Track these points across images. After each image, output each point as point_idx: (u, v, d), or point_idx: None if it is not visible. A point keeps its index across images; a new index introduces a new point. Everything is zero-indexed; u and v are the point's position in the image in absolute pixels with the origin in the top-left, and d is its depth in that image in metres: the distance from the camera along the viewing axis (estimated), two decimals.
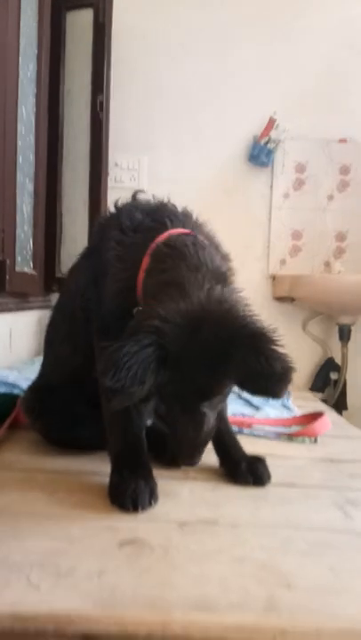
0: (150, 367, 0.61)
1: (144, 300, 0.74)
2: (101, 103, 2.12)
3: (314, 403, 1.56)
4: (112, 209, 0.88)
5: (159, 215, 0.81)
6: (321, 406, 1.47)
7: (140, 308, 0.72)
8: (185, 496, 0.74)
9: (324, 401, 2.13)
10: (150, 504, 0.69)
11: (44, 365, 0.99)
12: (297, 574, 0.52)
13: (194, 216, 0.86)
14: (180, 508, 0.69)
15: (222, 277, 0.74)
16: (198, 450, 0.68)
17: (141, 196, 0.90)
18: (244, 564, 0.54)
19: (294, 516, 0.67)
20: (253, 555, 0.56)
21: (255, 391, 0.64)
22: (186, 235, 0.78)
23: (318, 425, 1.05)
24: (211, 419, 0.68)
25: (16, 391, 1.18)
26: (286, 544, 0.59)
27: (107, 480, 0.73)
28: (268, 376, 0.61)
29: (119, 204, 0.87)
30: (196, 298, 0.66)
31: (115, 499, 0.69)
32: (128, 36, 2.39)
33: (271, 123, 2.44)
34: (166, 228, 0.78)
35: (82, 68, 2.29)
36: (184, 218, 0.83)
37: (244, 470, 0.78)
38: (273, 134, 2.45)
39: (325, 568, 0.54)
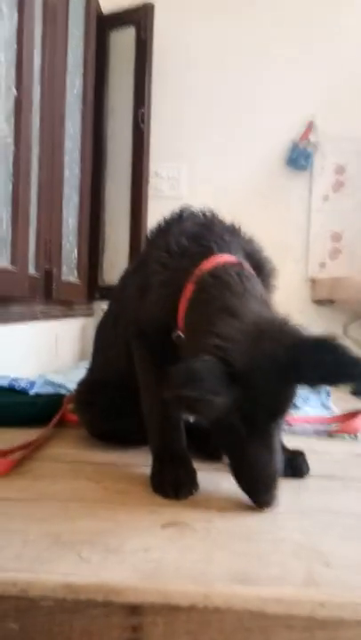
0: (222, 382, 0.60)
1: (185, 331, 0.75)
2: (143, 115, 2.19)
3: (354, 403, 1.54)
4: (160, 222, 0.89)
5: (205, 239, 0.81)
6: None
7: (180, 335, 0.75)
8: (225, 486, 0.76)
9: None
10: (191, 492, 0.71)
11: (92, 364, 1.05)
12: (335, 554, 0.54)
13: (241, 232, 0.87)
14: (221, 496, 0.72)
15: (267, 303, 0.76)
16: (274, 480, 0.66)
17: (187, 210, 0.89)
18: (283, 543, 0.56)
19: (334, 504, 0.68)
20: (293, 536, 0.58)
21: (338, 382, 0.65)
22: (231, 265, 0.78)
23: (358, 422, 1.05)
24: (278, 442, 0.68)
25: (62, 391, 1.24)
26: (326, 528, 0.61)
27: (149, 471, 0.76)
28: (349, 364, 0.61)
29: (168, 218, 0.87)
30: (249, 318, 0.68)
31: (157, 487, 0.72)
32: (168, 50, 2.46)
33: (310, 127, 2.44)
34: (212, 253, 0.79)
35: (125, 83, 2.38)
36: (230, 238, 0.83)
37: (284, 462, 0.79)
38: (312, 137, 2.46)
39: None
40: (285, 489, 0.74)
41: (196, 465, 0.76)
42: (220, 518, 0.64)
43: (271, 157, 2.52)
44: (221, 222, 0.87)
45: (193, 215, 0.87)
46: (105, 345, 1.00)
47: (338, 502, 0.69)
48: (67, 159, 1.97)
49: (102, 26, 2.30)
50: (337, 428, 1.08)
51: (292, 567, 0.51)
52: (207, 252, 0.79)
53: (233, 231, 0.86)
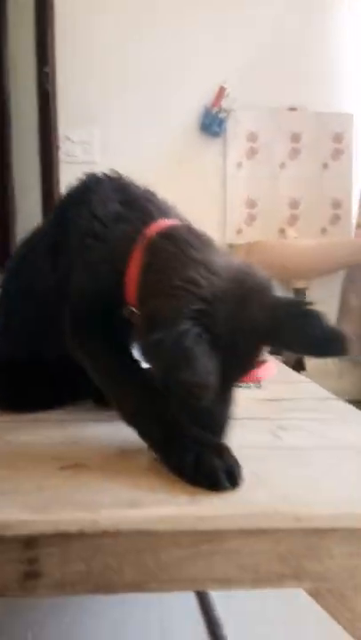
0: (212, 356, 0.56)
1: (140, 303, 0.68)
2: (47, 74, 2.10)
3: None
4: (69, 193, 0.82)
5: (141, 205, 0.76)
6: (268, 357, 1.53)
7: (133, 309, 0.68)
8: (127, 431, 0.79)
9: (284, 363, 2.21)
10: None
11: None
12: None
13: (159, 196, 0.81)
14: (122, 438, 0.73)
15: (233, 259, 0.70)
16: (229, 426, 0.67)
17: (94, 176, 0.83)
18: (174, 475, 0.59)
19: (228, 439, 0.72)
20: None
21: (320, 354, 0.63)
22: (181, 226, 0.73)
23: (262, 371, 1.11)
24: (233, 393, 0.69)
25: None
26: None
27: (54, 427, 0.76)
28: (333, 337, 0.59)
29: (78, 186, 0.81)
30: (228, 273, 0.63)
31: (198, 479, 0.57)
32: (75, 7, 2.37)
33: (222, 91, 2.47)
34: (153, 219, 0.73)
35: (27, 40, 2.26)
36: (165, 205, 0.78)
37: None
38: (224, 103, 2.48)
39: (249, 473, 0.59)
40: None
41: (98, 413, 0.78)
42: (119, 457, 0.66)
43: (186, 123, 2.53)
44: (139, 187, 0.82)
45: (107, 180, 0.82)
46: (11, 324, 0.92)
47: (234, 439, 0.73)
48: None
49: None
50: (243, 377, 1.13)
51: (178, 492, 0.55)
52: (147, 217, 0.73)
53: (163, 200, 0.81)
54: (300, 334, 0.59)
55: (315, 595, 0.58)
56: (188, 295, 0.60)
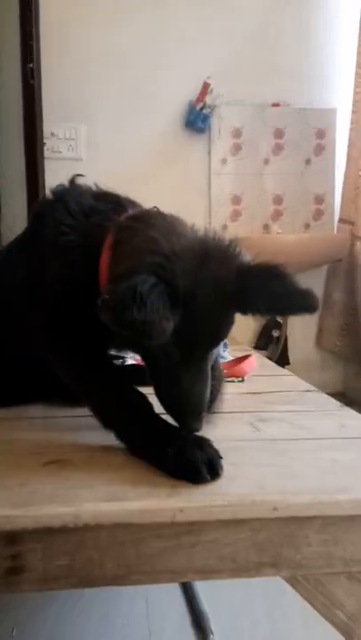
0: (168, 305, 0.54)
1: (109, 277, 0.67)
2: (32, 70, 2.08)
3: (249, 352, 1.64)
4: (51, 192, 0.82)
5: (113, 198, 0.77)
6: (251, 351, 1.55)
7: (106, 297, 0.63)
8: None
9: (269, 358, 2.23)
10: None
11: None
12: None
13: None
14: (105, 434, 0.74)
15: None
16: (204, 406, 0.62)
17: (70, 184, 0.83)
18: (157, 470, 0.60)
19: (207, 432, 0.73)
20: None
21: (285, 312, 0.63)
22: (150, 209, 0.75)
23: (244, 365, 1.12)
24: (209, 370, 0.65)
25: None
26: None
27: (35, 423, 0.77)
28: (300, 294, 0.59)
29: (53, 190, 0.81)
30: (193, 237, 0.64)
31: (181, 472, 0.58)
32: (60, 2, 2.35)
33: (206, 87, 2.46)
34: (125, 210, 0.74)
35: (12, 36, 2.23)
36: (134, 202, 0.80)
37: None
38: (208, 99, 2.48)
39: (228, 464, 0.60)
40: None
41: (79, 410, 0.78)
42: (102, 453, 0.67)
43: (171, 119, 2.52)
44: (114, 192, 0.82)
45: (82, 185, 0.83)
46: None
47: (212, 431, 0.75)
48: None
49: None
50: (226, 372, 1.15)
51: (158, 485, 0.56)
52: (119, 208, 0.75)
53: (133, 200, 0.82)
54: (266, 293, 0.59)
55: (292, 582, 0.60)
56: (147, 253, 0.60)
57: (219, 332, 0.63)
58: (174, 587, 1.27)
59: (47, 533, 0.52)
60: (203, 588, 1.24)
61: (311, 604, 0.58)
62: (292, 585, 0.60)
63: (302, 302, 0.59)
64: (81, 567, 0.54)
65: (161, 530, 0.53)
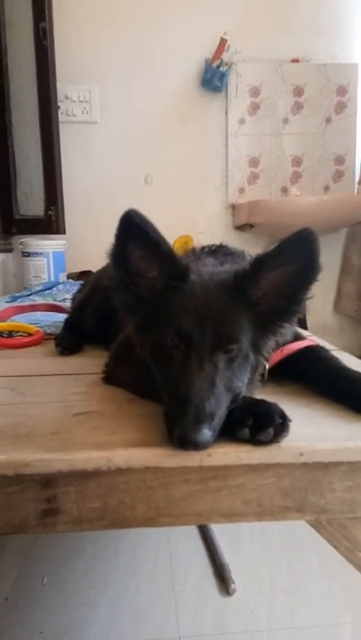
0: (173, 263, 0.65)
1: None
2: (44, 30, 2.03)
3: None
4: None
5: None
6: None
7: None
8: None
9: None
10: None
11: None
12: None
13: None
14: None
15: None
16: (204, 415, 0.52)
17: None
18: None
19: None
20: None
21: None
22: None
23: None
24: (224, 376, 0.58)
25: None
26: None
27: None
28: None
29: None
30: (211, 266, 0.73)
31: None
32: None
33: (222, 44, 2.38)
34: None
35: None
36: None
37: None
38: (225, 57, 2.40)
39: None
40: None
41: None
42: (128, 404, 0.69)
43: (187, 78, 2.45)
44: None
45: None
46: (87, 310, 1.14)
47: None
48: None
49: None
50: None
51: None
52: None
53: None
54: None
55: (316, 526, 0.62)
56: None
57: (219, 328, 0.59)
58: (197, 539, 1.31)
59: (81, 477, 0.54)
60: (223, 542, 1.28)
61: (335, 546, 0.60)
62: (316, 528, 0.62)
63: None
64: (113, 510, 0.56)
65: (189, 474, 0.55)
